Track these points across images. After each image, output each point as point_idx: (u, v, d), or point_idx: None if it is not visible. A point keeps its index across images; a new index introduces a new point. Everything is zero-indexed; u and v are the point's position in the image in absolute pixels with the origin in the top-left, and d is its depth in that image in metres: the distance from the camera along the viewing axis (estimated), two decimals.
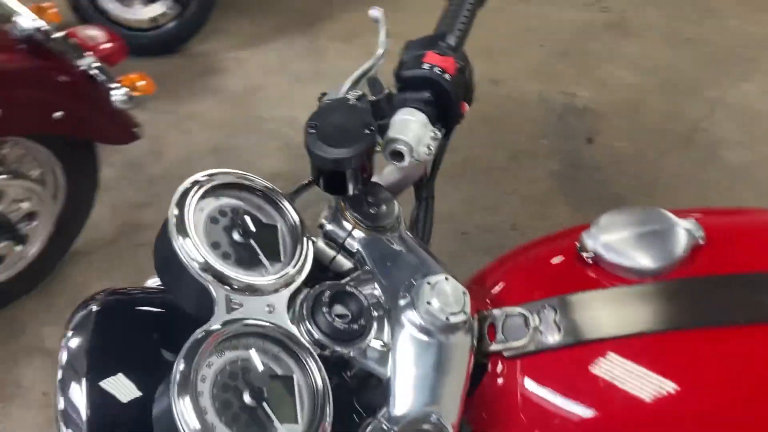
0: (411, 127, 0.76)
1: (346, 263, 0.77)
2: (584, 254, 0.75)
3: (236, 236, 0.68)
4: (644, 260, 0.71)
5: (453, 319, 0.67)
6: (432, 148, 0.77)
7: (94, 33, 2.07)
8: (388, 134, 0.75)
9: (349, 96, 0.79)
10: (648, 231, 0.73)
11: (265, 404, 0.58)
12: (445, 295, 0.67)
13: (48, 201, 2.12)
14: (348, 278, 0.75)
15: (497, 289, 0.82)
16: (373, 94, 0.80)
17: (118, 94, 1.94)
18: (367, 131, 0.72)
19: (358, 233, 0.74)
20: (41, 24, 1.85)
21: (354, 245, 0.75)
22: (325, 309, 0.65)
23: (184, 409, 0.54)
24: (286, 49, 3.54)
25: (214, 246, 0.66)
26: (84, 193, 2.26)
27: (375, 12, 0.91)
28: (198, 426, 0.54)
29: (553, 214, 2.56)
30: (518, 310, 0.73)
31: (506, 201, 2.62)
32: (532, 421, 0.71)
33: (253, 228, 0.68)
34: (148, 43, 3.47)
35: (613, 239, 0.73)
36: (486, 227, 2.50)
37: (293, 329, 0.64)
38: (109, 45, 2.07)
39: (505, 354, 0.72)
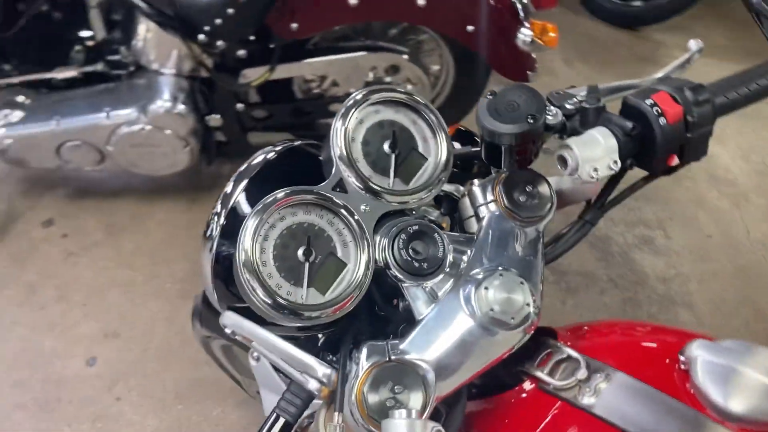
0: (592, 144, 0.73)
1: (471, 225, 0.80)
2: (681, 357, 0.66)
3: (385, 146, 0.75)
4: (732, 402, 0.61)
5: (507, 321, 0.67)
6: (598, 175, 0.72)
7: None
8: (570, 139, 0.73)
9: (573, 93, 0.79)
10: (761, 381, 0.61)
11: (308, 266, 0.69)
12: (509, 305, 0.68)
13: (426, 94, 2.40)
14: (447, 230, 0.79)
15: (581, 334, 0.78)
16: (587, 102, 0.77)
17: (524, 34, 2.06)
18: (529, 119, 0.72)
19: (494, 207, 0.76)
20: None
21: (484, 213, 0.76)
22: (404, 236, 0.71)
23: (249, 226, 0.67)
24: None
25: (365, 143, 0.75)
26: (457, 104, 2.50)
27: (694, 43, 0.93)
28: (249, 245, 0.66)
29: None
30: (577, 355, 0.70)
31: None
32: None
33: (397, 151, 0.75)
34: (615, 13, 3.53)
35: (718, 366, 0.63)
36: None
37: (369, 237, 0.71)
38: None
39: (543, 386, 0.70)
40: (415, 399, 0.65)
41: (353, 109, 0.74)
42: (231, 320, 0.78)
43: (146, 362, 2.02)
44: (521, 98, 0.74)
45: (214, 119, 2.25)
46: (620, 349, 0.77)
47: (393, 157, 0.75)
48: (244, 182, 0.80)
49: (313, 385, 0.71)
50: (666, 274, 2.39)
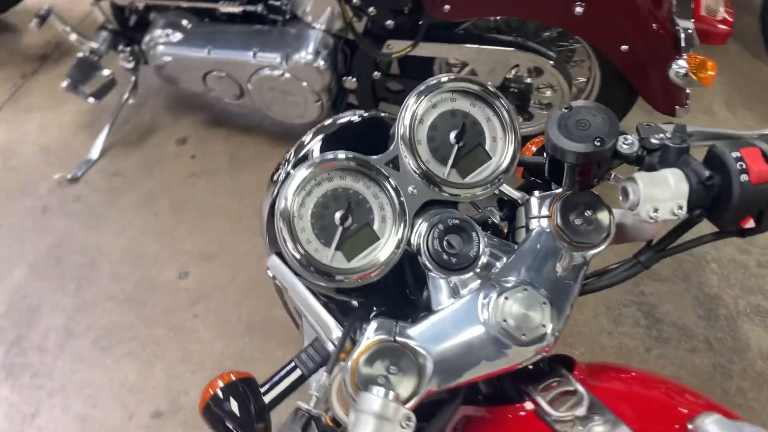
0: (660, 183, 0.68)
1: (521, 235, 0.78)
2: (689, 425, 0.63)
3: (452, 136, 0.75)
4: None
5: (518, 336, 0.66)
6: (658, 216, 0.68)
7: (716, 7, 2.07)
8: (638, 173, 0.70)
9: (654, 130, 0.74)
10: None
11: (340, 230, 0.71)
12: (524, 321, 0.66)
13: (561, 106, 2.33)
14: (490, 232, 0.77)
15: (600, 372, 0.75)
16: (671, 141, 0.73)
17: (679, 66, 1.95)
18: (597, 142, 0.69)
19: (546, 223, 0.74)
20: None
21: (534, 226, 0.75)
22: (442, 227, 0.71)
23: (296, 177, 0.70)
24: None
25: (432, 128, 0.75)
26: None
27: None
28: (291, 195, 0.69)
29: None
30: (583, 392, 0.68)
31: None
32: None
33: (462, 143, 0.75)
34: None
35: None
36: None
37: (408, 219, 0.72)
38: (720, 26, 2.05)
39: (540, 412, 0.69)
40: (407, 384, 0.65)
41: (429, 92, 0.75)
42: (274, 264, 0.82)
43: (230, 290, 2.13)
44: (595, 118, 0.71)
45: (350, 82, 2.32)
46: (630, 399, 0.74)
47: (456, 148, 0.75)
48: (320, 136, 0.83)
49: (330, 346, 0.74)
50: None
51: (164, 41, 2.35)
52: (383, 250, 0.71)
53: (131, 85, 2.53)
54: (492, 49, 2.24)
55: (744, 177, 0.66)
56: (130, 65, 2.46)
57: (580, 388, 0.69)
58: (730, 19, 2.06)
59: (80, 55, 2.39)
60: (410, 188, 0.73)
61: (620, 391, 0.76)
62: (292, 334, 1.85)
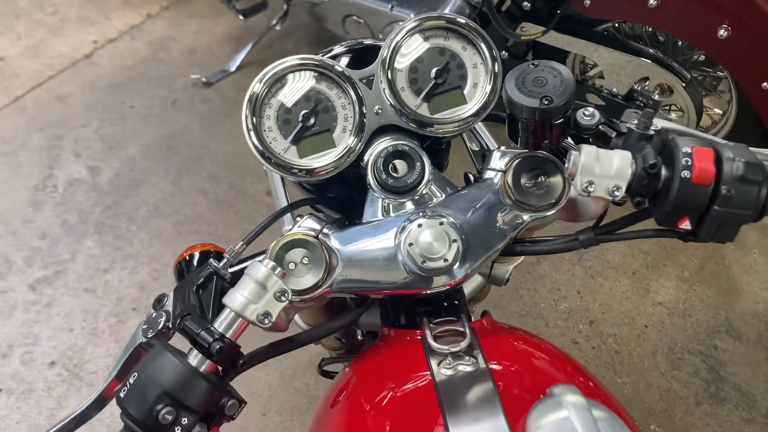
0: (603, 160, 0.66)
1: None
2: (548, 390, 0.62)
3: (433, 71, 0.77)
4: None
5: (417, 261, 0.69)
6: (592, 192, 0.66)
7: None
8: (587, 146, 0.68)
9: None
10: None
11: (299, 126, 0.75)
12: (427, 250, 0.69)
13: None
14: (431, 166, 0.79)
15: (501, 328, 0.76)
16: (636, 125, 0.70)
17: None
18: (544, 101, 0.68)
19: (498, 177, 0.75)
20: None
21: (489, 176, 0.75)
22: (391, 150, 0.74)
23: (272, 68, 0.75)
24: None
25: (418, 60, 0.77)
26: None
27: None
28: (260, 83, 0.74)
29: None
30: (469, 335, 0.69)
31: None
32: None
33: (441, 80, 0.77)
34: None
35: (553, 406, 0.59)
36: None
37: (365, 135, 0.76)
38: None
39: (425, 343, 0.71)
40: (312, 277, 0.71)
41: (424, 22, 0.77)
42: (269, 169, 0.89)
43: None
44: (554, 79, 0.70)
45: None
46: (511, 357, 0.73)
47: (433, 83, 0.77)
48: (325, 50, 0.86)
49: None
50: None
51: None
52: (335, 158, 0.75)
53: (282, 13, 2.69)
54: (626, 55, 2.16)
55: (686, 173, 0.63)
56: None
57: (468, 331, 0.70)
58: None
59: None
60: (376, 107, 0.76)
61: (506, 348, 0.76)
62: None
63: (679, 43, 2.22)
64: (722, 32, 1.85)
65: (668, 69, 2.13)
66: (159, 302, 0.76)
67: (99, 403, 0.75)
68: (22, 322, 1.90)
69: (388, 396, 0.71)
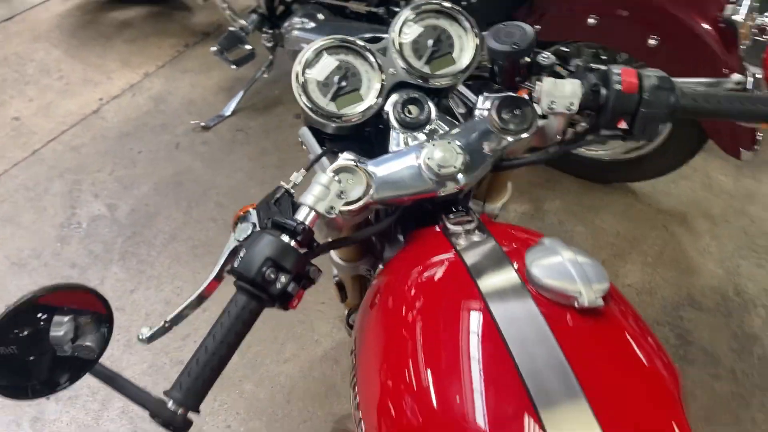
0: (559, 86, 0.94)
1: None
2: None
3: (429, 42, 1.06)
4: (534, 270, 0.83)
5: (436, 170, 0.95)
6: (555, 108, 0.93)
7: None
8: (548, 78, 0.95)
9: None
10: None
11: (335, 87, 1.02)
12: (442, 161, 0.95)
13: None
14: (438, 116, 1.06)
15: (502, 226, 1.02)
16: (582, 63, 0.99)
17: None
18: (513, 46, 0.97)
19: (486, 114, 1.02)
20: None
21: (478, 114, 1.02)
22: (406, 97, 1.03)
23: (308, 50, 1.04)
24: None
25: (419, 35, 1.06)
26: (663, 159, 2.60)
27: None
28: (302, 63, 1.03)
29: None
30: (476, 218, 0.95)
31: None
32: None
33: (436, 48, 1.06)
34: None
35: (540, 250, 0.85)
36: None
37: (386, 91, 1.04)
38: None
39: (445, 232, 0.96)
40: (357, 190, 0.94)
41: (421, 6, 1.07)
42: (303, 132, 1.17)
43: None
44: (519, 32, 1.00)
45: None
46: (507, 230, 0.98)
47: (430, 50, 1.06)
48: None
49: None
50: None
51: (299, 27, 2.81)
52: (363, 106, 1.03)
53: (268, 62, 3.01)
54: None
55: (617, 86, 0.92)
56: (270, 44, 2.94)
57: (475, 217, 0.96)
58: None
59: (231, 29, 2.89)
60: (391, 70, 1.04)
61: (504, 228, 1.00)
62: None
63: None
64: (651, 42, 2.20)
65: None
66: (239, 222, 1.01)
67: (198, 300, 0.98)
68: None
69: (421, 272, 0.96)
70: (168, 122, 2.94)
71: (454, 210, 1.02)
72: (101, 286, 2.26)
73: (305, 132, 1.20)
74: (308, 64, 1.03)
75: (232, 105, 2.98)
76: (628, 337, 0.81)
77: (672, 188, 2.97)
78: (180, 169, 2.70)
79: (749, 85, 2.19)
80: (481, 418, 0.73)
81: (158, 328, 0.93)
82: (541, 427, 0.69)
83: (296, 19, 2.82)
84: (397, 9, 2.69)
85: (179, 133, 2.88)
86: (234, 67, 2.89)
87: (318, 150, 1.15)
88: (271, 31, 2.93)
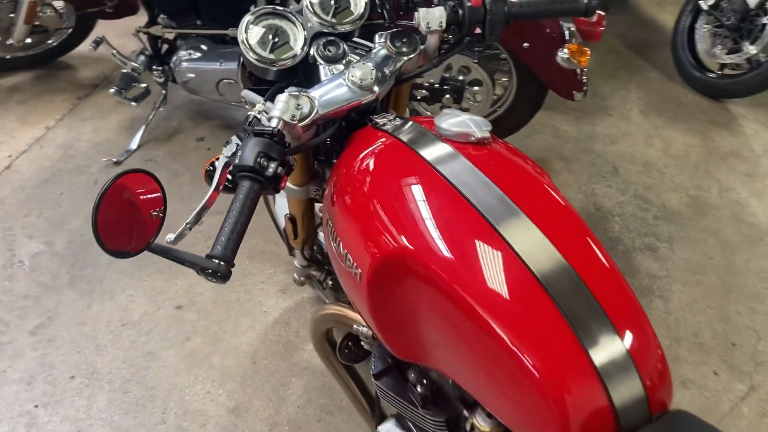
0: (430, 11, 1.33)
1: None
2: None
3: (332, 2, 1.46)
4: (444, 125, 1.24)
5: (359, 83, 1.34)
6: (431, 27, 1.36)
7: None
8: (422, 8, 1.39)
9: None
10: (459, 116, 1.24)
11: (272, 43, 1.38)
12: (363, 75, 1.34)
13: (489, 95, 3.07)
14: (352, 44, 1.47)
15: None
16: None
17: (562, 52, 2.69)
18: None
19: (383, 44, 1.43)
20: None
21: (376, 47, 1.43)
22: (324, 40, 1.41)
23: (245, 20, 1.41)
24: None
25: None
26: (517, 114, 3.15)
27: None
28: (244, 28, 1.40)
29: None
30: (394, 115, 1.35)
31: None
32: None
33: (338, 4, 1.46)
34: (701, 83, 4.02)
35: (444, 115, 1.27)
36: None
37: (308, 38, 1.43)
38: (596, 28, 2.80)
39: (372, 123, 1.35)
40: (306, 109, 1.29)
41: None
42: (245, 93, 1.53)
43: None
44: None
45: None
46: (417, 119, 1.39)
47: (334, 6, 1.45)
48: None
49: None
50: (656, 273, 2.81)
51: (187, 59, 3.13)
52: (293, 53, 1.40)
53: (161, 97, 3.31)
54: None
55: (469, 3, 1.37)
56: (161, 80, 3.24)
57: (392, 112, 1.36)
58: (603, 23, 2.80)
59: (123, 71, 3.17)
60: (309, 24, 1.43)
61: (414, 118, 1.41)
62: (281, 258, 2.53)
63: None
64: (525, 44, 2.78)
65: (462, 54, 2.98)
66: (210, 168, 1.35)
67: (202, 211, 1.31)
68: (34, 357, 2.29)
69: (371, 149, 1.28)
70: (81, 164, 3.16)
71: (376, 112, 1.42)
72: (58, 308, 2.47)
73: (247, 92, 1.56)
74: (247, 29, 1.41)
75: (137, 139, 3.25)
76: (518, 160, 1.23)
77: (528, 142, 3.54)
78: None
79: (567, 37, 2.78)
80: (453, 236, 1.07)
81: (180, 230, 1.25)
82: (501, 237, 1.04)
83: (182, 53, 3.15)
84: None
85: (94, 171, 3.12)
86: (134, 104, 3.17)
87: (260, 99, 1.51)
88: (160, 68, 3.23)
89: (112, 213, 1.11)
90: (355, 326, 1.46)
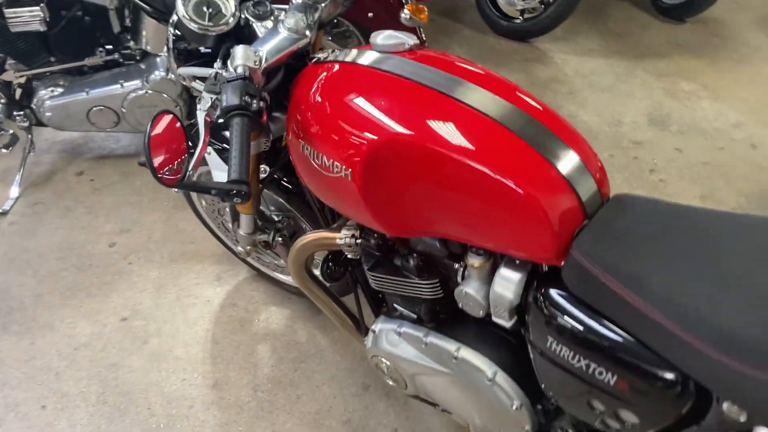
0: None
1: None
2: None
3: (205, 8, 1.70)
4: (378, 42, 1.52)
5: (295, 30, 1.59)
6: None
7: None
8: None
9: None
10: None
11: (208, 14, 1.60)
12: (296, 26, 1.60)
13: None
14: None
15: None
16: None
17: (405, 13, 3.06)
18: None
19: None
20: None
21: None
22: (252, 2, 1.66)
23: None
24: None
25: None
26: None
27: None
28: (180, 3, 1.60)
29: None
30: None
31: None
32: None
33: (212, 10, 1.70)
34: (509, 30, 4.61)
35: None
36: None
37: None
38: None
39: (319, 60, 1.61)
40: (261, 54, 1.55)
41: None
42: (184, 70, 1.71)
43: (150, 243, 2.91)
44: None
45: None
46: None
47: (208, 13, 1.67)
48: None
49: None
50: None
51: (50, 97, 3.14)
52: (227, 20, 1.63)
53: (29, 142, 3.28)
54: None
55: None
56: (25, 124, 3.21)
57: (327, 50, 1.63)
58: None
59: None
60: None
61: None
62: (204, 255, 2.67)
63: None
64: (370, 14, 3.11)
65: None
66: (199, 100, 1.56)
67: (198, 163, 1.50)
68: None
69: (323, 80, 1.52)
70: None
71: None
72: (0, 353, 2.44)
73: (184, 69, 1.75)
74: (185, 4, 1.60)
75: (16, 187, 3.20)
76: (448, 55, 1.53)
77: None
78: (3, 250, 2.89)
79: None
80: (421, 111, 1.33)
81: (180, 179, 1.44)
82: (459, 101, 1.32)
83: (43, 92, 3.16)
84: (126, 50, 3.19)
85: None
86: (5, 150, 3.12)
87: (208, 69, 1.71)
88: (22, 113, 3.20)
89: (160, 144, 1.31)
90: (337, 239, 1.69)
